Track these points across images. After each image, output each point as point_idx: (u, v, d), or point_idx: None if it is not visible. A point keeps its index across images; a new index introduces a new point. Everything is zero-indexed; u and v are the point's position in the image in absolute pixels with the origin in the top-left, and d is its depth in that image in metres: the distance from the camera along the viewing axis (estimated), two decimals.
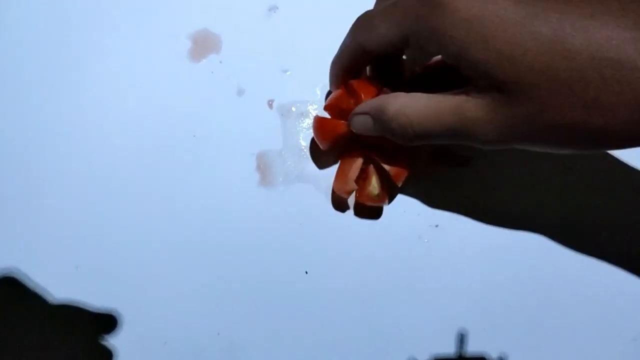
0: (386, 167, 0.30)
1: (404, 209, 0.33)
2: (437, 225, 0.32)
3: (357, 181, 0.30)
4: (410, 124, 0.25)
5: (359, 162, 0.31)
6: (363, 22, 0.27)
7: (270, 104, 0.34)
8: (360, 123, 0.28)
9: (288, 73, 0.34)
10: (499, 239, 0.32)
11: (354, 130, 0.29)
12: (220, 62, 0.34)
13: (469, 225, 0.32)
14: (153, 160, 0.33)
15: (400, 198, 0.32)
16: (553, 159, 0.33)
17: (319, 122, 0.31)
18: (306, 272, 0.32)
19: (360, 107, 0.28)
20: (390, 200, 0.32)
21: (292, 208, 0.32)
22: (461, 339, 0.31)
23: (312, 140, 0.33)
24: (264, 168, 0.33)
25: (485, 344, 0.31)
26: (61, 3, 0.35)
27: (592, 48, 0.20)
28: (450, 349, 0.31)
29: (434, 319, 0.31)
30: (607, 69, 0.20)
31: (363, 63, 0.29)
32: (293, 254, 0.32)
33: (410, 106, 0.25)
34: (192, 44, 0.34)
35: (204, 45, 0.34)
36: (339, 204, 0.33)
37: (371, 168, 0.31)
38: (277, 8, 0.35)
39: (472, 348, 0.31)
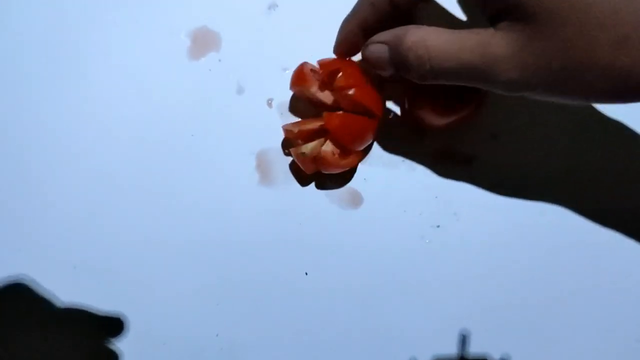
0: (329, 146, 0.29)
1: (405, 209, 0.32)
2: (438, 226, 0.32)
3: (303, 136, 0.30)
4: (428, 56, 0.24)
5: (320, 121, 0.30)
6: None
7: (269, 102, 0.33)
8: (376, 52, 0.26)
9: (288, 71, 0.34)
10: (501, 238, 0.32)
11: (367, 60, 0.27)
12: (220, 60, 0.34)
13: (471, 225, 0.32)
14: (151, 159, 0.33)
15: (401, 198, 0.32)
16: (558, 157, 0.33)
17: (302, 67, 0.31)
18: (306, 274, 0.32)
19: (378, 36, 0.27)
20: (318, 182, 0.32)
21: (292, 208, 0.32)
22: (463, 339, 0.31)
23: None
24: (264, 167, 0.33)
25: (487, 345, 0.31)
26: (60, 0, 0.35)
27: None
28: (452, 349, 0.31)
29: (436, 319, 0.31)
30: None
31: (380, 21, 0.27)
32: (293, 255, 0.32)
33: (431, 38, 0.24)
34: (191, 42, 0.34)
35: (203, 43, 0.34)
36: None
37: (322, 136, 0.30)
38: (277, 6, 0.35)
39: (474, 349, 0.31)
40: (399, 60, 0.25)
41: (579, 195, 0.32)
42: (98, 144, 0.33)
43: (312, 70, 0.31)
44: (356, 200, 0.32)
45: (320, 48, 0.33)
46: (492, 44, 0.22)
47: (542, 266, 0.32)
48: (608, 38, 0.20)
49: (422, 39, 0.24)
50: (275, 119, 0.33)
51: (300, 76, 0.31)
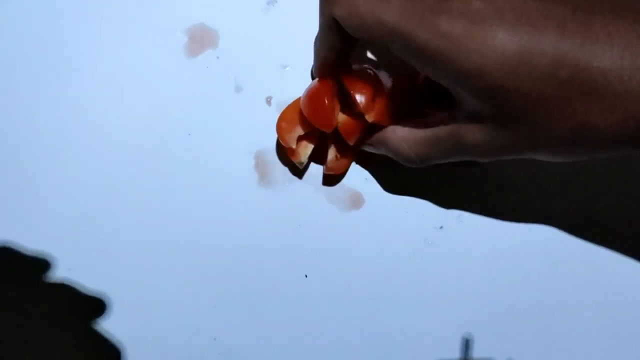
0: (332, 152, 0.31)
1: (407, 210, 0.32)
2: (441, 227, 0.32)
3: (290, 123, 0.30)
4: (414, 154, 0.27)
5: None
6: None
7: (268, 100, 0.33)
8: (373, 150, 0.30)
9: (287, 69, 0.33)
10: (506, 241, 0.31)
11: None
12: (217, 57, 0.33)
13: (476, 226, 0.32)
14: (146, 160, 0.32)
15: (403, 198, 0.32)
16: None
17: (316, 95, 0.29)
18: (306, 276, 0.31)
19: (369, 140, 0.30)
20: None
21: (292, 209, 0.32)
22: (466, 344, 0.31)
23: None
24: (263, 167, 0.32)
25: (491, 350, 0.31)
26: None
27: (582, 77, 0.21)
28: (455, 354, 0.30)
29: (439, 323, 0.31)
30: (593, 97, 0.21)
31: (347, 44, 0.27)
32: (292, 257, 0.31)
33: (408, 139, 0.27)
34: (188, 39, 0.34)
35: (200, 40, 0.34)
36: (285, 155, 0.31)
37: (321, 143, 0.31)
38: (276, 1, 0.34)
39: (477, 354, 0.30)
40: (392, 156, 0.29)
41: (587, 197, 0.32)
42: (91, 143, 0.32)
43: (331, 96, 0.29)
44: (357, 201, 0.32)
45: None
46: (462, 134, 0.25)
47: (548, 270, 0.31)
48: (567, 124, 0.22)
49: (400, 142, 0.27)
50: (274, 118, 0.32)
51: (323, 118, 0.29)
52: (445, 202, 0.32)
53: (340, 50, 0.28)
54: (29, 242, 0.31)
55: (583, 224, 0.32)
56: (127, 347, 0.30)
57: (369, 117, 0.28)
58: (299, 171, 0.32)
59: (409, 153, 0.27)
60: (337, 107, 0.29)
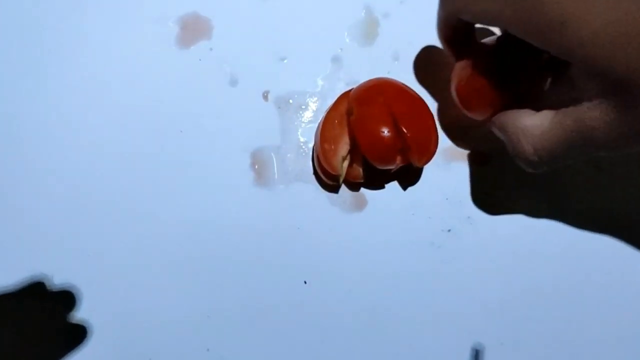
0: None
1: (413, 212, 0.31)
2: (449, 230, 0.31)
3: (332, 143, 0.30)
4: (532, 149, 0.26)
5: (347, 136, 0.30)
6: None
7: (265, 95, 0.32)
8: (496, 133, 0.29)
9: (285, 61, 0.33)
10: (518, 244, 0.31)
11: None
12: (211, 49, 0.33)
13: (486, 229, 0.31)
14: (135, 159, 0.32)
15: (408, 199, 0.31)
16: None
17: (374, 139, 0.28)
18: (305, 282, 0.30)
19: (492, 122, 0.29)
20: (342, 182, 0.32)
21: (290, 210, 0.31)
22: (476, 355, 0.30)
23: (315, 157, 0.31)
24: (259, 166, 0.32)
25: None
26: None
27: None
28: None
29: (446, 333, 0.30)
30: None
31: (465, 28, 0.29)
32: (291, 262, 0.31)
33: (528, 130, 0.26)
34: (179, 29, 0.33)
35: (193, 30, 0.33)
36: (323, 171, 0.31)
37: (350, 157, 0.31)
38: None
39: None
40: (512, 153, 0.27)
41: (609, 197, 0.31)
42: (77, 141, 0.32)
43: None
44: (360, 202, 0.31)
45: (320, 36, 0.33)
46: (589, 119, 0.23)
47: (563, 275, 0.31)
48: None
49: (519, 139, 0.26)
50: (272, 113, 0.32)
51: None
52: (454, 203, 0.31)
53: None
54: (15, 244, 0.31)
55: (605, 225, 0.31)
56: (115, 358, 0.30)
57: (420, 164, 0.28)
58: (335, 187, 0.31)
59: (528, 149, 0.26)
60: (398, 143, 0.28)
